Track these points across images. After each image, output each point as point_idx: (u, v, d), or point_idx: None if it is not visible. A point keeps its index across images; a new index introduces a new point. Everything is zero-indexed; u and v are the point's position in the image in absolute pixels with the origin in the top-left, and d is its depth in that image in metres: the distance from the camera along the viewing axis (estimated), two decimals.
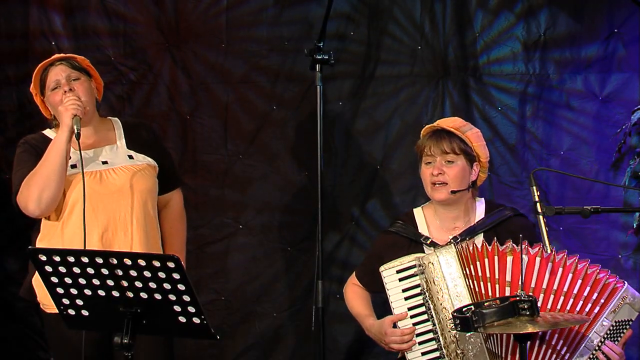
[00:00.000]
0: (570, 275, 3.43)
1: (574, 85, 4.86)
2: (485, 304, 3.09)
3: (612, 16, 4.83)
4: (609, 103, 4.82)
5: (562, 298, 3.43)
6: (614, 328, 3.46)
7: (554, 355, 3.43)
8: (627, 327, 3.48)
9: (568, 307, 3.43)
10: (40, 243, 3.81)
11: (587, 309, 3.43)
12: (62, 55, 3.90)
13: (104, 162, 3.81)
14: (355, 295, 3.91)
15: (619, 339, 3.47)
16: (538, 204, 3.33)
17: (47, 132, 3.91)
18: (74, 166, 3.75)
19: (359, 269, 3.94)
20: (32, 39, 5.07)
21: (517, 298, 3.06)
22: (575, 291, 3.43)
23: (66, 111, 3.70)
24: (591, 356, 3.44)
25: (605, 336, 3.45)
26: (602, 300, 3.44)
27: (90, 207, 3.68)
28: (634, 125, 4.68)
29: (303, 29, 5.00)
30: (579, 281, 3.43)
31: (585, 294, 3.43)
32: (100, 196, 3.72)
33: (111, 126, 3.95)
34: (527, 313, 3.04)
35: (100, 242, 3.68)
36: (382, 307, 3.83)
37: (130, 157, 3.85)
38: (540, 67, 4.88)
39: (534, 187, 3.35)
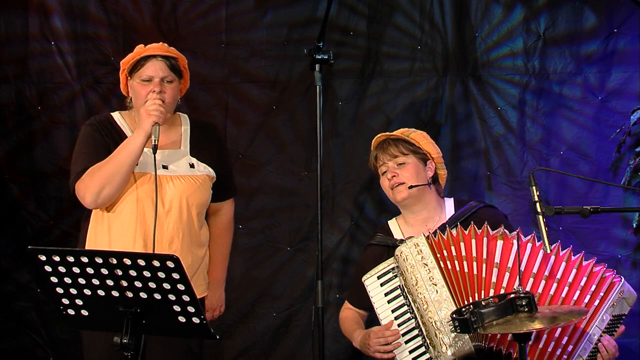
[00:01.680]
0: (564, 263, 3.49)
1: (574, 85, 4.86)
2: (483, 303, 3.10)
3: (612, 16, 4.82)
4: (609, 103, 4.82)
5: (555, 285, 3.47)
6: (612, 322, 3.49)
7: (559, 349, 3.44)
8: (621, 321, 3.52)
9: (563, 295, 3.47)
10: (90, 233, 3.77)
11: (585, 300, 3.47)
12: (167, 50, 3.83)
13: (164, 167, 3.77)
14: (346, 317, 3.97)
15: (614, 333, 3.50)
16: (538, 204, 3.33)
17: (115, 116, 3.86)
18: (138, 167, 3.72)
19: (349, 292, 4.03)
20: (32, 39, 5.07)
21: (515, 294, 3.07)
22: (570, 280, 3.47)
23: (148, 117, 3.66)
24: (593, 349, 3.46)
25: (605, 330, 3.47)
26: (602, 294, 3.48)
27: (142, 210, 3.68)
28: (634, 125, 4.68)
29: (303, 28, 5.00)
30: (574, 270, 3.48)
31: (582, 284, 3.47)
32: (152, 202, 3.68)
33: (179, 127, 3.90)
34: (526, 310, 3.05)
35: (144, 249, 3.66)
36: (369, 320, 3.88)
37: (192, 165, 3.80)
38: (540, 66, 4.88)
39: (534, 187, 3.35)
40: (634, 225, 4.68)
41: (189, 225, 3.75)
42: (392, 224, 3.92)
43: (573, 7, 4.86)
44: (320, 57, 4.08)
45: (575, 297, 3.46)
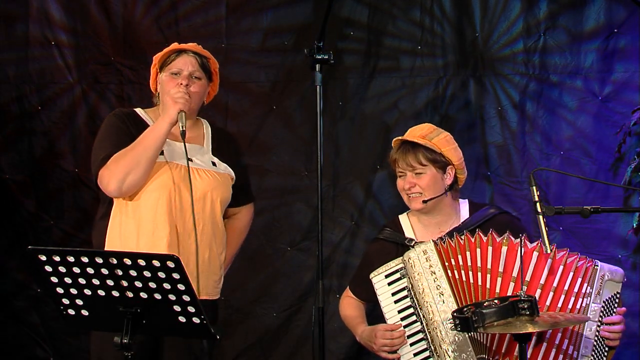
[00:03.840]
0: (561, 267, 3.50)
1: (574, 85, 4.86)
2: (485, 304, 3.10)
3: (612, 16, 4.83)
4: (609, 103, 4.82)
5: (562, 296, 3.47)
6: (606, 307, 3.50)
7: (560, 355, 3.45)
8: (617, 300, 3.52)
9: (559, 305, 3.47)
10: (112, 226, 3.69)
11: (579, 304, 3.47)
12: (199, 48, 3.83)
13: (189, 159, 3.72)
14: (347, 306, 3.95)
15: (613, 312, 3.51)
16: (538, 204, 3.33)
17: (139, 111, 3.83)
18: (160, 153, 3.69)
19: (352, 281, 3.98)
20: (32, 40, 5.07)
21: (517, 298, 3.07)
22: (566, 287, 3.48)
23: (174, 104, 3.65)
24: (596, 340, 3.47)
25: (601, 319, 3.48)
26: (585, 289, 3.47)
27: (166, 200, 3.64)
28: (634, 125, 4.68)
29: (303, 28, 5.00)
30: (571, 274, 3.48)
31: (576, 289, 3.47)
32: (178, 192, 3.65)
33: (201, 127, 3.90)
34: (527, 313, 3.05)
35: (169, 238, 3.62)
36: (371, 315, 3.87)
37: (214, 163, 3.79)
38: (540, 67, 4.88)
39: (534, 187, 3.35)
40: (634, 225, 4.69)
41: (211, 219, 3.72)
42: (403, 219, 3.87)
43: (573, 7, 4.86)
44: (320, 57, 4.08)
45: (549, 301, 3.46)
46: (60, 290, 3.09)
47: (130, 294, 3.05)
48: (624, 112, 4.78)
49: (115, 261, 3.00)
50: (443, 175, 3.77)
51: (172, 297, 3.03)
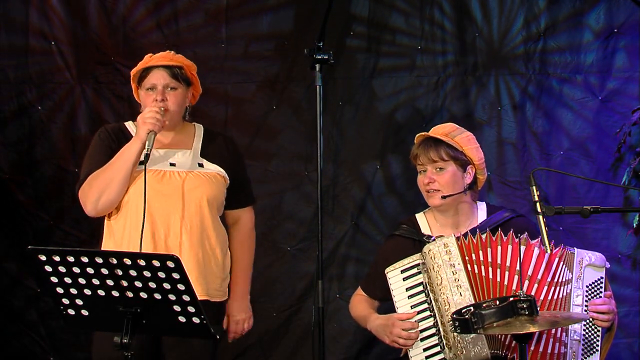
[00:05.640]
0: (561, 263, 3.54)
1: (574, 85, 4.86)
2: (484, 305, 3.10)
3: (612, 16, 4.83)
4: (609, 103, 4.82)
5: (558, 288, 3.52)
6: (589, 292, 3.52)
7: (557, 343, 3.49)
8: (601, 285, 3.54)
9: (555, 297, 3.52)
10: (106, 237, 3.80)
11: (564, 292, 3.52)
12: (171, 59, 3.83)
13: (172, 164, 3.77)
14: (358, 302, 3.95)
15: (600, 296, 3.53)
16: (538, 204, 3.34)
17: (128, 125, 3.88)
18: (140, 163, 3.71)
19: (364, 280, 4.00)
20: (32, 40, 5.06)
21: (517, 298, 3.08)
22: (560, 279, 3.53)
23: (143, 124, 3.68)
24: (585, 325, 3.51)
25: (586, 303, 3.50)
26: (568, 274, 3.52)
27: (148, 206, 3.65)
28: (634, 125, 4.69)
29: (303, 27, 5.00)
30: (561, 263, 3.54)
31: (562, 278, 3.52)
32: (156, 195, 3.68)
33: (192, 132, 3.91)
34: (527, 313, 3.05)
35: (153, 242, 3.66)
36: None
37: (201, 164, 3.80)
38: (540, 66, 4.88)
39: (534, 187, 3.36)
40: (634, 225, 4.69)
41: (199, 219, 3.73)
42: (420, 217, 3.89)
43: (573, 7, 4.86)
44: (320, 56, 4.09)
45: (534, 289, 3.51)
46: (60, 290, 3.10)
47: (130, 294, 3.05)
48: (624, 112, 4.78)
49: (115, 261, 3.01)
50: (463, 173, 3.79)
51: (172, 297, 3.03)
